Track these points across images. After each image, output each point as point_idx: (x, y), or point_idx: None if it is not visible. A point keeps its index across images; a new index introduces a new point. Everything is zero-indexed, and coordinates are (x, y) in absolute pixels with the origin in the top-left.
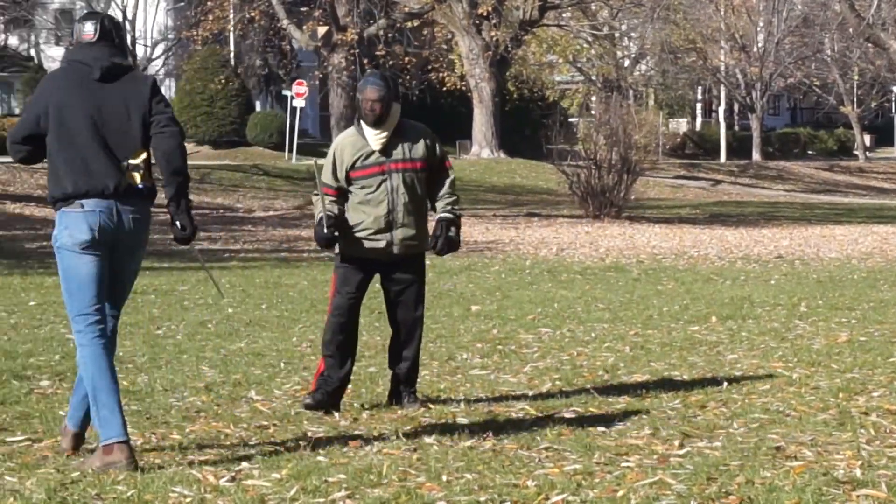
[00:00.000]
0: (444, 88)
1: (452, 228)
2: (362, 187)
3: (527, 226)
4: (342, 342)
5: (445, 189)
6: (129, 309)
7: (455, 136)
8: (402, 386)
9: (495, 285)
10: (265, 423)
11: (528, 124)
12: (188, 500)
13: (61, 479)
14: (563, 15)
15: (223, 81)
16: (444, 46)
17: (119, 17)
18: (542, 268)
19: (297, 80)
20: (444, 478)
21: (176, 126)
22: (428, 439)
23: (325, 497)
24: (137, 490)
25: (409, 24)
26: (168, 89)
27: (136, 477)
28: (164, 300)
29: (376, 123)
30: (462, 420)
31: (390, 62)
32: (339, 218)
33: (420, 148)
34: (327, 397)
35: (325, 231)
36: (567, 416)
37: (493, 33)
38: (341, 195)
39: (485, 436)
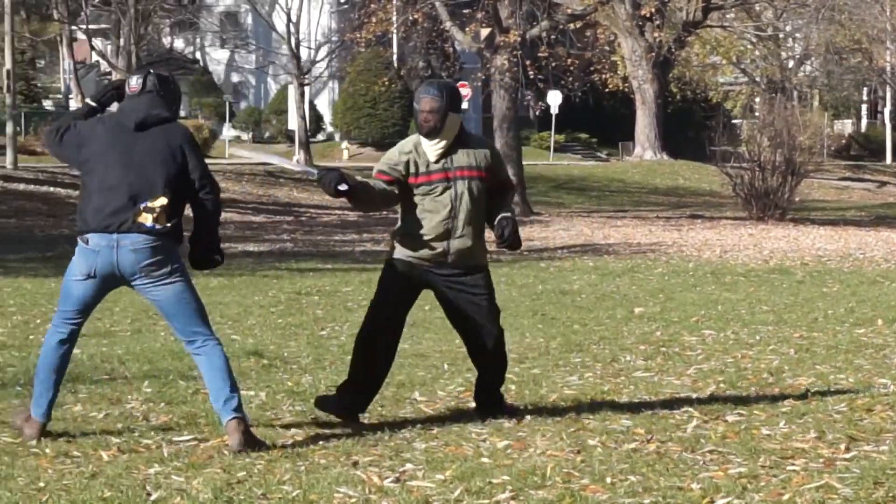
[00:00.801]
0: (607, 90)
1: (515, 225)
2: (426, 193)
3: (690, 228)
4: (375, 349)
5: (504, 204)
6: (294, 310)
7: (617, 137)
8: (496, 404)
9: (658, 287)
10: (429, 424)
11: (692, 126)
12: (353, 500)
13: (227, 479)
14: (727, 16)
15: (386, 83)
16: (607, 48)
17: (283, 20)
18: (705, 270)
19: (460, 82)
20: (609, 480)
21: (211, 187)
22: (592, 441)
23: (490, 498)
24: (303, 490)
25: (571, 26)
26: (331, 91)
27: (302, 477)
28: (327, 301)
29: (430, 134)
30: (626, 422)
31: (553, 64)
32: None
33: (483, 158)
34: (346, 404)
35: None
36: (731, 418)
37: (656, 34)
38: (391, 182)
39: (649, 438)
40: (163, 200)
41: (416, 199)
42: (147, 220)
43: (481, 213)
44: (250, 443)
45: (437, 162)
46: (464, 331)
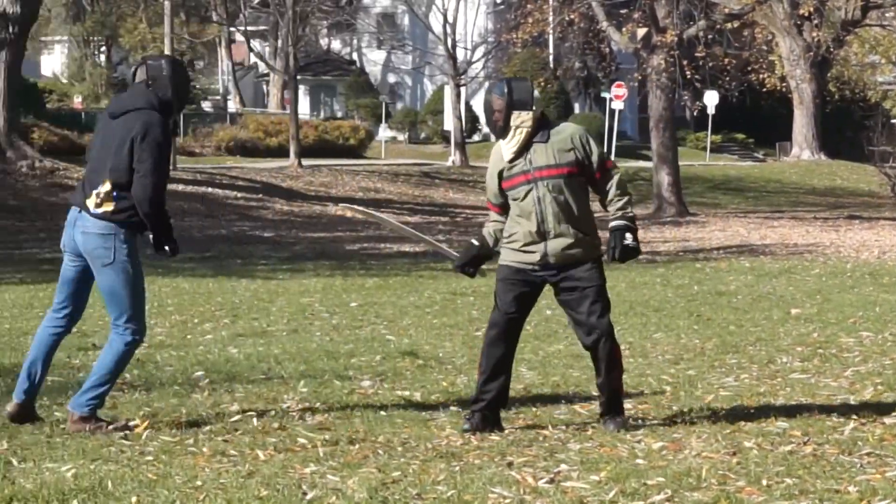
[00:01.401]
0: (764, 90)
1: (628, 235)
2: (513, 199)
3: (847, 228)
4: (497, 358)
5: (613, 191)
6: (449, 311)
7: (774, 137)
8: (605, 413)
9: (815, 288)
10: (583, 424)
11: (850, 126)
12: (507, 500)
13: (382, 479)
14: (886, 14)
15: (542, 84)
16: (765, 47)
17: (440, 20)
18: (863, 271)
19: (617, 83)
20: (765, 482)
21: (145, 177)
22: (747, 443)
23: (644, 500)
24: (457, 490)
25: (728, 26)
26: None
27: (457, 477)
28: (482, 302)
29: (499, 135)
30: (782, 424)
31: (710, 63)
32: (481, 251)
33: (567, 152)
34: (482, 418)
35: (458, 262)
36: (889, 421)
37: (814, 34)
38: (504, 211)
39: (805, 440)
40: (106, 186)
41: (510, 203)
42: (91, 204)
43: (580, 208)
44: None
45: (515, 163)
46: (574, 326)
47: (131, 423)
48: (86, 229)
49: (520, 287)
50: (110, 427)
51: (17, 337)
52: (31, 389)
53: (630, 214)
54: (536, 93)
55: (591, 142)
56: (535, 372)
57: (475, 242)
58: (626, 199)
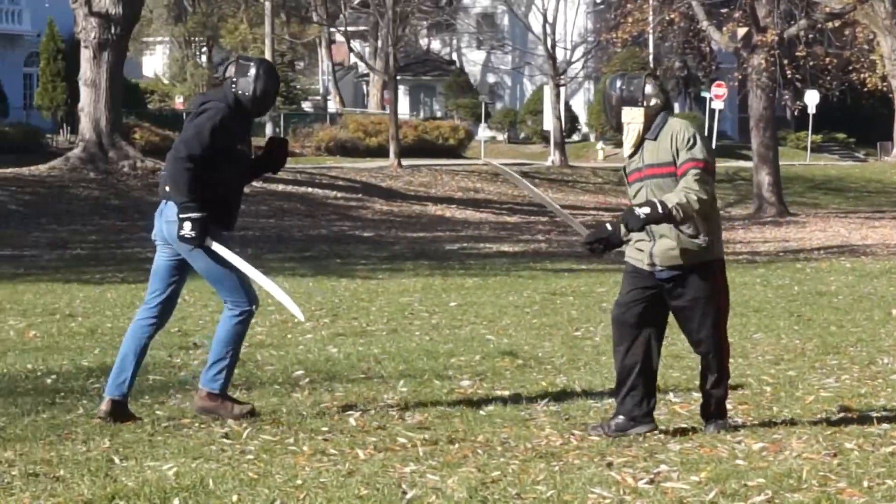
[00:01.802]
0: (865, 89)
1: (639, 209)
2: (631, 196)
3: None
4: (623, 353)
5: (678, 187)
6: (548, 310)
7: (876, 137)
8: (707, 416)
9: None
10: (684, 425)
11: None
12: (607, 501)
13: (482, 478)
14: None
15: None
16: (866, 47)
17: (539, 20)
18: None
19: (717, 82)
20: (866, 484)
21: (172, 151)
22: (848, 444)
23: (745, 501)
24: (557, 490)
25: (829, 25)
26: (587, 92)
27: (556, 477)
28: (581, 302)
29: (616, 129)
30: (884, 425)
31: (810, 63)
32: (612, 237)
33: (667, 151)
34: (630, 417)
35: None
36: None
37: None
38: None
39: None
40: None
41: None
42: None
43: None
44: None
45: (632, 160)
46: (684, 333)
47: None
48: (169, 218)
49: (637, 283)
50: (235, 410)
51: (118, 336)
52: (123, 385)
53: (667, 207)
54: (649, 88)
55: (686, 139)
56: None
57: (609, 227)
58: (682, 195)
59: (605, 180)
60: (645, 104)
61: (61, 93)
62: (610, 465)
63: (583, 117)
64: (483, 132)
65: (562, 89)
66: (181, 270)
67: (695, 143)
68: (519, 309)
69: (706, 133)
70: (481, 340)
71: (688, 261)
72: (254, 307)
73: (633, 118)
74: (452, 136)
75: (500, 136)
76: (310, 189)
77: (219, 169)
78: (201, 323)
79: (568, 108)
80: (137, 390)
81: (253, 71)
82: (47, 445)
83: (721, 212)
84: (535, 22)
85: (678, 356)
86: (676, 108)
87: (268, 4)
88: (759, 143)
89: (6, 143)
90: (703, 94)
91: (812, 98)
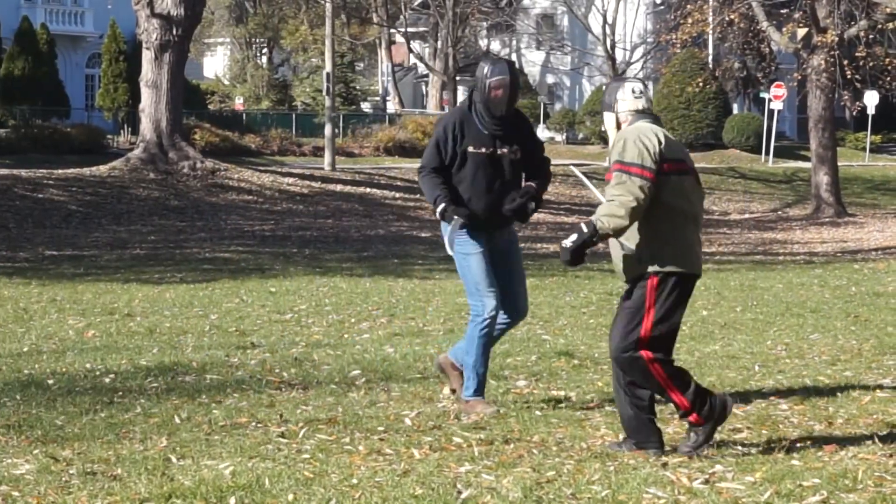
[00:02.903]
0: None
1: (573, 236)
2: None
3: None
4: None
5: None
6: (605, 311)
7: None
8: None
9: None
10: (739, 425)
11: None
12: (662, 501)
13: (537, 478)
14: None
15: (701, 84)
16: None
17: (599, 21)
18: None
19: (776, 83)
20: None
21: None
22: None
23: (800, 501)
24: (612, 490)
25: (890, 25)
26: None
27: (611, 477)
28: None
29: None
30: None
31: (870, 63)
32: None
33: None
34: (707, 429)
35: None
36: None
37: None
38: None
39: None
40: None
41: None
42: None
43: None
44: None
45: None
46: None
47: (490, 410)
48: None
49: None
50: (480, 409)
51: (176, 335)
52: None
53: (592, 223)
54: (619, 94)
55: (621, 142)
56: (691, 372)
57: None
58: (605, 204)
59: None
60: (616, 110)
61: (123, 94)
62: (665, 465)
63: None
64: (542, 133)
65: None
66: (500, 269)
67: (624, 147)
68: (575, 309)
69: (765, 133)
70: (537, 341)
71: (628, 273)
72: (490, 313)
73: (606, 123)
74: None
75: (559, 137)
76: (368, 189)
77: (457, 171)
78: (259, 323)
79: None
80: (194, 389)
81: (483, 70)
82: (105, 444)
83: (779, 212)
84: (595, 22)
85: (734, 357)
86: (735, 108)
87: (328, 5)
88: (818, 144)
89: (68, 144)
90: (763, 94)
91: (871, 99)
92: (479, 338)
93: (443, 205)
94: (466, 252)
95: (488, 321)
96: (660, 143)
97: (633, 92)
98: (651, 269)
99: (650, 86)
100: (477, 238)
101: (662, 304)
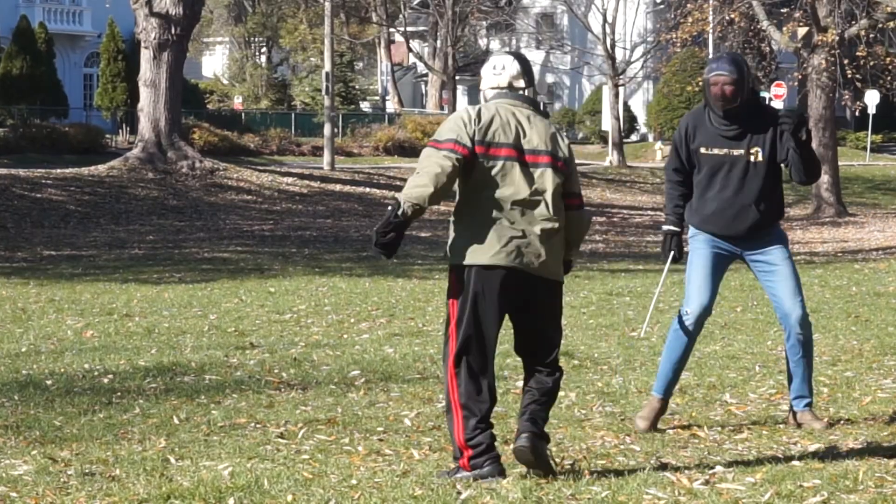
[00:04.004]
0: None
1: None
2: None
3: None
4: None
5: None
6: (605, 311)
7: None
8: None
9: None
10: (739, 426)
11: None
12: (662, 502)
13: (537, 479)
14: None
15: (701, 84)
16: None
17: (599, 20)
18: None
19: (776, 82)
20: None
21: None
22: None
23: (800, 502)
24: (612, 491)
25: (891, 25)
26: (646, 92)
27: (611, 478)
28: (638, 302)
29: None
30: None
31: (871, 63)
32: None
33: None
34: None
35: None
36: None
37: None
38: None
39: None
40: None
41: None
42: None
43: None
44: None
45: None
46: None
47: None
48: None
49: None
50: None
51: (175, 336)
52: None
53: (398, 200)
54: (484, 70)
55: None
56: (692, 373)
57: None
58: None
59: (663, 181)
60: (481, 87)
61: (121, 93)
62: (665, 466)
63: (641, 117)
64: None
65: (620, 89)
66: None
67: (442, 126)
68: (575, 309)
69: None
70: None
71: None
72: (687, 310)
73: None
74: None
75: None
76: (367, 189)
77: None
78: (258, 323)
79: (626, 108)
80: (193, 389)
81: None
82: (103, 445)
83: None
84: (595, 22)
85: (734, 357)
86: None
87: (327, 5)
88: (818, 143)
89: (66, 144)
90: (763, 93)
91: (872, 98)
92: (676, 331)
93: None
94: (692, 257)
95: (681, 315)
96: (482, 121)
97: (494, 68)
98: (459, 261)
99: (650, 85)
100: None
101: (463, 302)
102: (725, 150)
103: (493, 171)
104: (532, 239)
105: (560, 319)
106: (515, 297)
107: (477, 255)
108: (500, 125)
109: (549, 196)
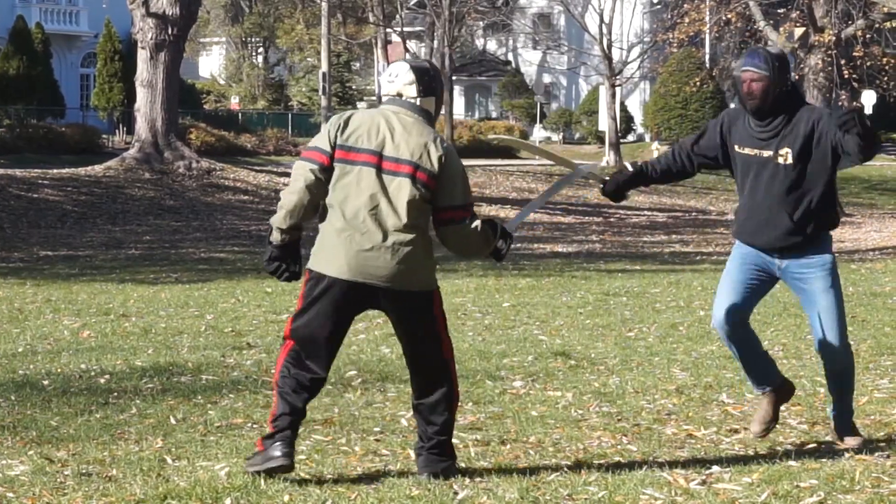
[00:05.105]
0: None
1: None
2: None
3: None
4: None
5: None
6: (601, 311)
7: None
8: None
9: None
10: (736, 426)
11: None
12: (659, 502)
13: (534, 480)
14: None
15: (697, 84)
16: None
17: (596, 21)
18: None
19: None
20: None
21: None
22: None
23: (797, 502)
24: (609, 491)
25: (887, 25)
26: (642, 92)
27: (608, 478)
28: (635, 302)
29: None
30: None
31: (868, 63)
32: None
33: None
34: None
35: None
36: None
37: None
38: None
39: None
40: None
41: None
42: None
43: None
44: None
45: None
46: None
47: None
48: None
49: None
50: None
51: (172, 336)
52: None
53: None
54: (382, 77)
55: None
56: (688, 373)
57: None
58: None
59: None
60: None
61: (118, 93)
62: (662, 466)
63: (638, 118)
64: (538, 132)
65: (617, 89)
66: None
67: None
68: (572, 309)
69: None
70: (534, 341)
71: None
72: (714, 322)
73: None
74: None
75: (555, 137)
76: None
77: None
78: (255, 323)
79: (623, 108)
80: (190, 390)
81: None
82: (100, 445)
83: None
84: (592, 22)
85: (731, 357)
86: (732, 107)
87: (324, 5)
88: None
89: (63, 144)
90: None
91: (869, 98)
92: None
93: None
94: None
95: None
96: (349, 126)
97: (389, 76)
98: (308, 263)
99: (646, 86)
100: None
101: (307, 300)
102: (756, 151)
103: (349, 177)
104: (382, 252)
105: (434, 328)
106: (358, 309)
107: (323, 265)
108: (366, 130)
109: (401, 207)
